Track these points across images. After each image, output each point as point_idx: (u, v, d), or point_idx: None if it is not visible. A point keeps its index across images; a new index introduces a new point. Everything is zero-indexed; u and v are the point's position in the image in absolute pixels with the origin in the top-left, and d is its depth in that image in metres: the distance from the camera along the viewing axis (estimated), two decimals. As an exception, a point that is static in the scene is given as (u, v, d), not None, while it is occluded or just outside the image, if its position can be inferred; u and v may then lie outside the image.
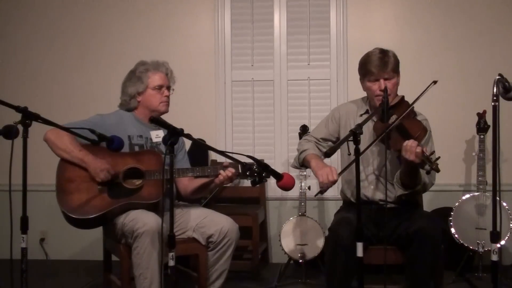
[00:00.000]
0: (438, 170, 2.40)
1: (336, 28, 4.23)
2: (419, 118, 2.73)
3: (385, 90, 2.54)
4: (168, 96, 2.95)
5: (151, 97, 2.92)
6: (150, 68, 2.94)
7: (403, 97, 2.74)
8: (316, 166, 2.68)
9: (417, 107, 2.81)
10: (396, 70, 2.72)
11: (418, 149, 2.40)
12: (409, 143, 2.43)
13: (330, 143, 2.90)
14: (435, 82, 2.59)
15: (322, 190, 2.58)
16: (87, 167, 2.69)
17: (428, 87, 2.58)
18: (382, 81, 2.68)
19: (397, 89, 2.77)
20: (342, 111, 2.93)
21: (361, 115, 2.85)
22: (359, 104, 2.93)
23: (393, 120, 2.56)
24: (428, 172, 2.44)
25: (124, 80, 2.99)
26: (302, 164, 2.90)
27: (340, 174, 2.62)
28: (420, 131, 2.56)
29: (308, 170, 3.37)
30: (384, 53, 2.71)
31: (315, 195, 2.69)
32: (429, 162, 2.39)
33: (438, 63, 4.14)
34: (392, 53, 2.73)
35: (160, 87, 2.92)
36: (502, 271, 3.67)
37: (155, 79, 2.92)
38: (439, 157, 2.42)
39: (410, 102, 2.67)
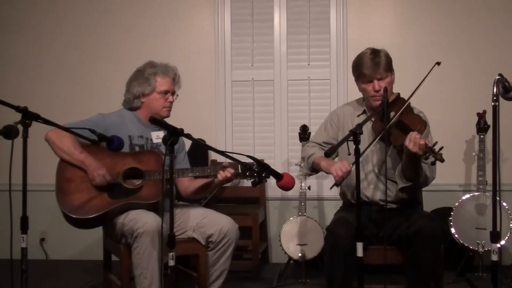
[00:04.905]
0: (442, 160, 2.38)
1: (336, 28, 4.23)
2: (415, 112, 2.73)
3: (384, 90, 2.54)
4: (171, 102, 2.95)
5: (155, 101, 2.91)
6: (159, 72, 2.91)
7: (398, 94, 2.75)
8: (327, 164, 2.70)
9: (417, 106, 2.82)
10: (388, 69, 2.72)
11: (422, 141, 2.40)
12: (413, 134, 2.43)
13: None
14: (438, 63, 2.60)
15: (337, 183, 2.60)
16: (87, 169, 2.69)
17: (431, 69, 2.58)
18: (375, 82, 2.68)
19: (393, 87, 2.78)
20: (339, 114, 2.93)
21: (358, 116, 2.85)
22: (355, 105, 2.93)
23: (391, 117, 2.57)
24: (433, 163, 2.43)
25: (130, 78, 2.96)
26: (313, 168, 2.87)
27: (353, 165, 2.57)
28: (420, 125, 2.57)
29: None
30: (375, 54, 2.70)
31: (330, 188, 2.69)
32: (433, 153, 2.38)
33: (438, 63, 4.14)
34: (383, 53, 2.73)
35: (165, 92, 2.91)
36: (502, 271, 3.67)
37: (163, 84, 2.91)
38: (442, 147, 2.40)
39: (407, 98, 2.67)
